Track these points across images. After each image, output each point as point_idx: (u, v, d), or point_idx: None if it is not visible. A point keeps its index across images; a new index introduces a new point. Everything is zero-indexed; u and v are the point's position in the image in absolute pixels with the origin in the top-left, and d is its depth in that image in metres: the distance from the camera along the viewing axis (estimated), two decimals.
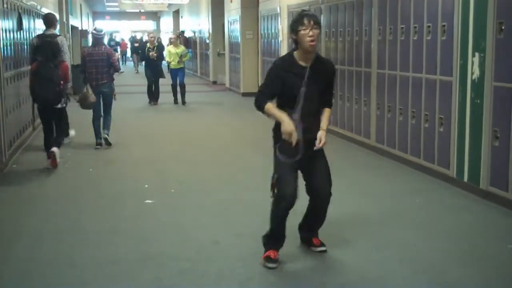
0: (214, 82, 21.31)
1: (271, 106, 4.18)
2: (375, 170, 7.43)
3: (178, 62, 14.65)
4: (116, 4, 28.28)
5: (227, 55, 18.87)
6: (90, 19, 39.77)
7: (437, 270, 4.27)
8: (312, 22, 4.09)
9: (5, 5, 8.16)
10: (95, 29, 9.43)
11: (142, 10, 37.64)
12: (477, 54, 6.00)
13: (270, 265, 4.24)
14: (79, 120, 10.20)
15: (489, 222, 5.43)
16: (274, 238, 4.32)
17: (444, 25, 6.58)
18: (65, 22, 17.67)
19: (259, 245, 4.42)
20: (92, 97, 8.75)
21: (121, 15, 41.28)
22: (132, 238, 5.02)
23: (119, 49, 32.15)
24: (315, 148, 4.17)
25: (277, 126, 4.21)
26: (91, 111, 9.05)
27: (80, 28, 23.63)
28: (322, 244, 4.55)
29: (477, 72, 6.01)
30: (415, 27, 7.15)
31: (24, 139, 9.27)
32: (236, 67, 17.53)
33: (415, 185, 6.71)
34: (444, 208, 5.82)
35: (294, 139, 4.07)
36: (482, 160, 5.97)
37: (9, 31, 8.49)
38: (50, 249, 4.76)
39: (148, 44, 15.38)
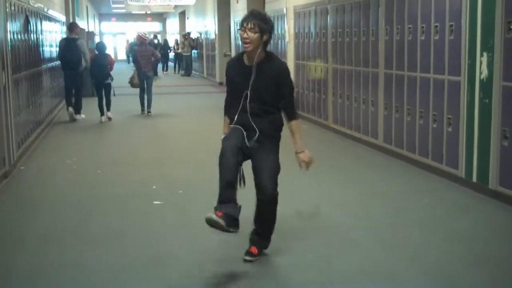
0: (221, 83, 21.30)
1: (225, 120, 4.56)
2: (383, 170, 7.42)
3: None
4: (123, 6, 28.29)
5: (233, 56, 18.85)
6: (97, 21, 39.93)
7: (445, 271, 4.25)
8: (250, 25, 4.07)
9: (12, 8, 8.19)
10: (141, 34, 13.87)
11: (148, 12, 37.67)
12: (485, 54, 5.98)
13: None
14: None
15: (498, 222, 5.41)
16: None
17: (451, 25, 6.56)
18: None
19: (270, 245, 4.42)
20: (136, 80, 12.75)
21: (127, 16, 41.38)
22: (141, 240, 5.02)
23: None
24: (301, 169, 4.32)
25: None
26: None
27: (86, 30, 23.67)
28: (252, 255, 4.33)
29: (485, 71, 5.99)
30: (422, 27, 7.13)
31: (33, 141, 9.29)
32: None
33: (423, 185, 6.69)
34: (453, 208, 5.80)
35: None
36: (491, 160, 5.95)
37: (17, 33, 8.53)
38: (57, 252, 4.76)
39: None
